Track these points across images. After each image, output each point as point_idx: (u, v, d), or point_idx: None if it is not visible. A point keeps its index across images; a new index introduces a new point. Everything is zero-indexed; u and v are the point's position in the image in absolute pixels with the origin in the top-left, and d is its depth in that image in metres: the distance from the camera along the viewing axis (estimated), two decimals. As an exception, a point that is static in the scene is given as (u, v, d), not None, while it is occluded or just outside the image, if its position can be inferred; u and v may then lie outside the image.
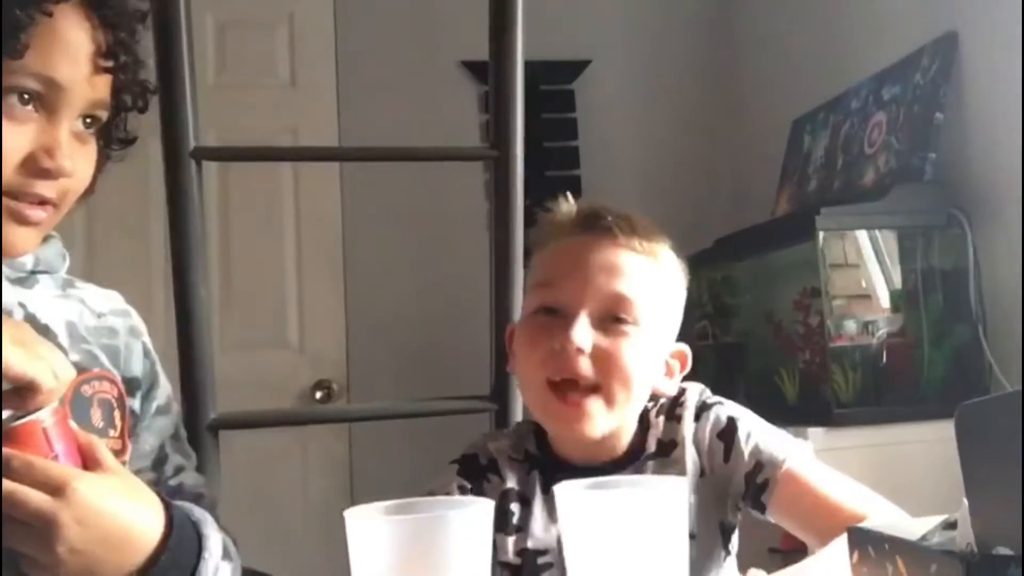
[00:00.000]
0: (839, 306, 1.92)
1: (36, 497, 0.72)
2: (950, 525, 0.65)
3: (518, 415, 1.39)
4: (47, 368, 0.74)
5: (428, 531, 0.68)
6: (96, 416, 0.89)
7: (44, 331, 0.89)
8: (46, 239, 0.93)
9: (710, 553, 1.06)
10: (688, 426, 1.07)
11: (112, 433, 0.91)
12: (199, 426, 1.30)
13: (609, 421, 1.03)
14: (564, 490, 0.74)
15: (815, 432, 1.80)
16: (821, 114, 2.46)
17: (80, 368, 0.88)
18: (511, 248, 1.39)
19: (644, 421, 1.09)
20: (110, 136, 0.94)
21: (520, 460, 1.11)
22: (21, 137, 0.82)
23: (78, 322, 0.94)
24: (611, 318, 1.03)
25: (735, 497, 1.05)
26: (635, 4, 3.01)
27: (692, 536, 1.03)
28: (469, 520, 0.69)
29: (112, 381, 0.93)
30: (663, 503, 0.71)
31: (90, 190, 0.92)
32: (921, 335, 1.91)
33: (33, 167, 0.82)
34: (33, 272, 0.92)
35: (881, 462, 1.73)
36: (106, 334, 0.96)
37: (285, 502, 2.69)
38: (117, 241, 2.62)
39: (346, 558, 0.69)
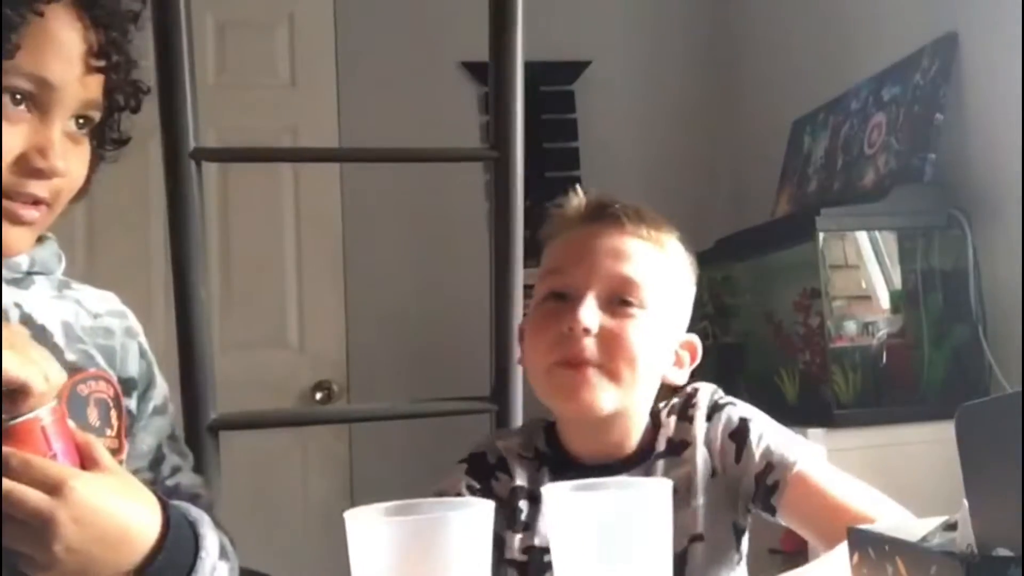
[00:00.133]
0: (839, 307, 1.92)
1: (34, 496, 0.72)
2: (950, 526, 0.65)
3: (518, 415, 1.39)
4: (39, 372, 0.74)
5: (428, 532, 0.68)
6: (93, 415, 0.89)
7: (40, 331, 0.89)
8: (41, 240, 0.93)
9: (723, 555, 1.06)
10: (700, 426, 1.07)
11: (109, 433, 0.91)
12: (199, 426, 1.30)
13: (614, 398, 1.03)
14: (550, 491, 0.74)
15: (815, 433, 1.80)
16: (821, 115, 2.46)
17: (76, 368, 0.89)
18: (511, 248, 1.39)
19: (655, 420, 1.10)
20: (103, 137, 0.95)
21: (530, 458, 1.11)
22: (14, 137, 0.82)
23: (74, 322, 0.94)
24: (618, 300, 1.04)
25: (745, 498, 1.05)
26: (635, 4, 3.01)
27: (700, 537, 1.03)
28: (469, 521, 0.69)
29: (108, 381, 0.93)
30: (646, 505, 0.71)
31: (84, 191, 0.92)
32: (921, 336, 1.91)
33: (26, 167, 0.83)
34: (29, 273, 0.92)
35: (881, 463, 1.73)
36: (102, 334, 0.96)
37: (285, 502, 2.69)
38: (117, 241, 2.62)
39: (346, 558, 0.69)
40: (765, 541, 1.67)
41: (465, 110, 2.84)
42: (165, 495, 0.86)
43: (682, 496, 1.04)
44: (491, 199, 1.42)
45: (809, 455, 1.03)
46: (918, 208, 1.94)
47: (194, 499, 0.95)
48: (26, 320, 0.89)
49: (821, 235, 1.91)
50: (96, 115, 0.89)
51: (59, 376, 0.77)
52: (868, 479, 1.02)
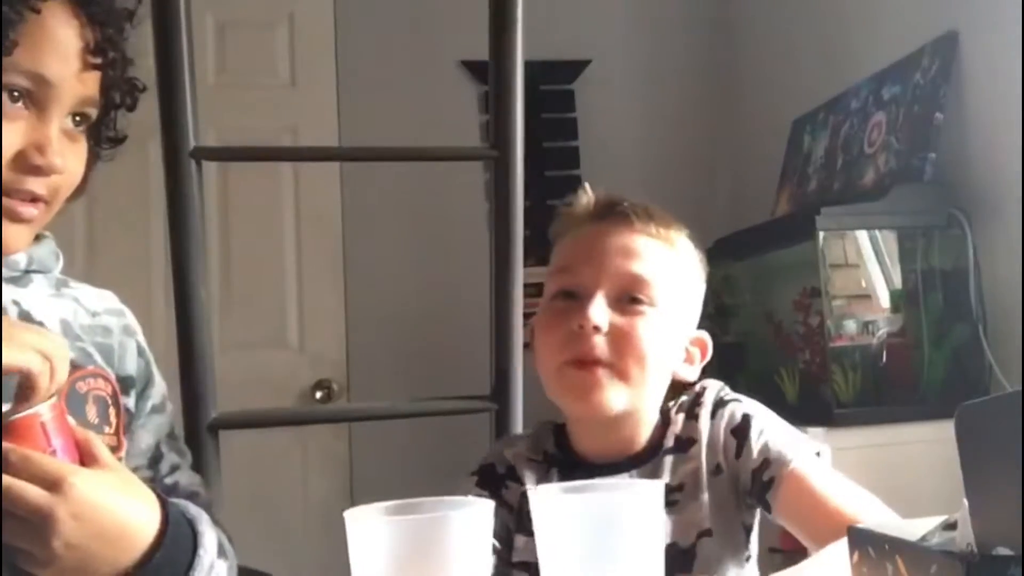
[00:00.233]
0: (839, 306, 1.92)
1: (33, 492, 0.72)
2: (950, 526, 0.65)
3: (518, 415, 1.39)
4: (34, 354, 0.73)
5: (428, 531, 0.68)
6: (91, 413, 0.89)
7: None
8: (39, 239, 0.93)
9: (731, 551, 1.06)
10: (705, 423, 1.08)
11: (107, 430, 0.91)
12: (199, 426, 1.30)
13: (624, 397, 1.03)
14: (537, 494, 0.74)
15: (815, 432, 1.79)
16: (821, 114, 2.46)
17: (75, 366, 0.89)
18: (511, 248, 1.39)
19: (665, 418, 1.10)
20: (100, 135, 0.95)
21: (539, 461, 1.12)
22: (12, 134, 0.82)
23: (72, 320, 0.94)
24: (627, 298, 1.04)
25: (742, 494, 1.05)
26: (635, 4, 3.01)
27: (708, 532, 1.03)
28: (469, 521, 0.69)
29: (107, 379, 0.93)
30: (633, 507, 0.71)
31: (81, 189, 0.92)
32: (921, 335, 1.91)
33: (24, 164, 0.83)
34: (27, 271, 0.92)
35: (881, 462, 1.73)
36: (100, 333, 0.96)
37: (285, 502, 2.69)
38: (117, 241, 2.63)
39: (346, 558, 0.69)
40: (765, 539, 1.66)
41: (465, 109, 2.84)
42: (163, 493, 0.86)
43: (690, 492, 1.05)
44: (491, 199, 1.42)
45: (808, 455, 1.03)
46: (918, 207, 1.94)
47: (192, 497, 0.95)
48: (24, 318, 0.89)
49: (821, 234, 1.91)
50: (93, 112, 0.90)
51: (58, 347, 0.75)
52: (868, 478, 1.02)
